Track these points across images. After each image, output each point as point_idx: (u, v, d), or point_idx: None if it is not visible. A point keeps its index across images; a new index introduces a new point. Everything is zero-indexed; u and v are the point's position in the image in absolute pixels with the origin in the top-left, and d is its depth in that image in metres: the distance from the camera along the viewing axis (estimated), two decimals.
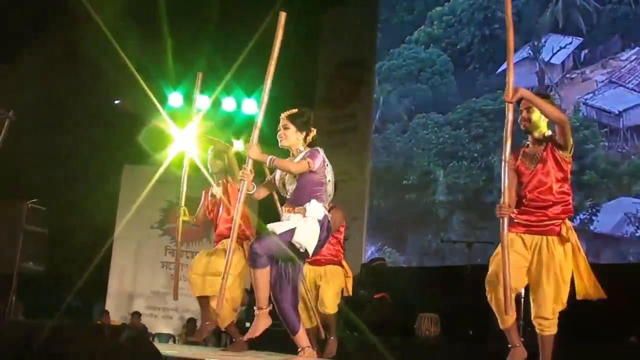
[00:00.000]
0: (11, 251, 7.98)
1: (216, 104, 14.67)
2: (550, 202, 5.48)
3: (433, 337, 9.23)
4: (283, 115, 5.76)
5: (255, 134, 5.67)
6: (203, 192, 7.81)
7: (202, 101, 14.55)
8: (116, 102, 14.59)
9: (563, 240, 5.42)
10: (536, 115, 5.51)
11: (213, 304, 6.97)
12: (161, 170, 11.69)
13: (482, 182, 11.72)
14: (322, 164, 5.62)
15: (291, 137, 5.72)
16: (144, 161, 13.89)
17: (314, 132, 5.79)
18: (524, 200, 5.58)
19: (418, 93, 13.24)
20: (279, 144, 5.80)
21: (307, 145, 5.76)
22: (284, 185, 5.74)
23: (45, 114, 8.34)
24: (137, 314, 14.08)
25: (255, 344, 6.76)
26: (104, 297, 14.36)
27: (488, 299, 5.47)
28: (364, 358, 7.15)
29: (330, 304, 7.60)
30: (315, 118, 5.91)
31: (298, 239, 5.42)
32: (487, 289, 5.46)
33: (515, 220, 5.56)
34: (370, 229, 13.64)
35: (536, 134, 5.59)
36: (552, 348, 5.41)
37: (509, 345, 5.51)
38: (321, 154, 5.65)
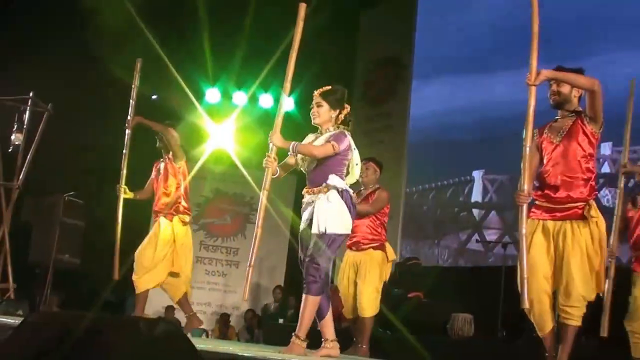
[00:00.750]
0: (48, 243, 8.03)
1: (253, 100, 14.68)
2: (574, 180, 5.23)
3: (467, 337, 9.18)
4: (316, 93, 5.73)
5: (278, 121, 5.67)
6: (154, 166, 8.07)
7: (239, 97, 14.62)
8: (153, 97, 14.66)
9: (589, 222, 5.14)
10: (566, 88, 5.30)
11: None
12: (197, 166, 11.72)
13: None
14: (347, 147, 5.58)
15: (324, 114, 5.68)
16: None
17: (347, 109, 5.75)
18: (545, 179, 5.33)
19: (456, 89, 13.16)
20: (312, 122, 5.76)
21: (338, 125, 5.71)
22: (303, 164, 5.70)
23: (82, 109, 8.40)
24: (171, 308, 14.11)
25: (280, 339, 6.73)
26: None
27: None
28: (398, 356, 7.11)
29: (369, 307, 7.41)
30: (353, 117, 5.89)
31: (334, 229, 5.41)
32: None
33: (537, 202, 5.35)
34: (405, 228, 13.60)
35: (565, 108, 5.39)
36: (573, 341, 5.15)
37: (546, 354, 5.32)
38: (348, 137, 5.61)
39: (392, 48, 14.75)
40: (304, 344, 5.44)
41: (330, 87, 5.75)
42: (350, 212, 5.51)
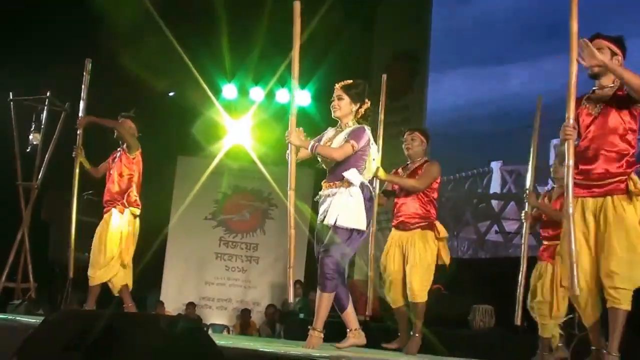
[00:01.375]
0: (67, 242, 8.07)
1: (270, 95, 14.66)
2: (613, 154, 4.84)
3: (488, 328, 9.16)
4: (337, 86, 5.74)
5: (293, 120, 5.65)
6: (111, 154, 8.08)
7: (257, 93, 14.61)
8: (170, 94, 14.68)
9: (632, 196, 4.76)
10: (606, 57, 4.85)
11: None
12: (215, 162, 11.79)
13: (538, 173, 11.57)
14: (367, 143, 5.58)
15: (345, 107, 5.68)
16: (198, 153, 13.99)
17: (367, 104, 5.75)
18: (583, 153, 4.94)
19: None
20: (333, 115, 5.77)
21: (358, 120, 5.72)
22: (326, 161, 5.70)
23: (99, 107, 8.43)
24: (191, 305, 14.18)
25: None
26: (159, 288, 14.47)
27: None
28: (420, 349, 7.07)
29: (421, 292, 6.74)
30: (369, 111, 5.87)
31: (346, 223, 5.40)
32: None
33: (575, 181, 4.84)
34: None
35: (605, 80, 5.00)
36: (623, 327, 4.69)
37: (592, 347, 4.94)
38: (367, 132, 5.61)
39: (408, 41, 14.70)
40: (321, 335, 5.46)
41: (352, 80, 5.75)
42: (366, 208, 5.50)
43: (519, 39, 12.22)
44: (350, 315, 5.64)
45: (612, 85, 4.96)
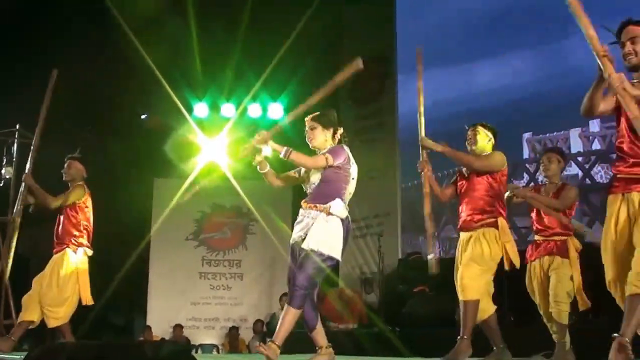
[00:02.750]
0: None
1: (242, 111, 14.63)
2: None
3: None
4: (307, 119, 5.78)
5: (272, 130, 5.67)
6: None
7: (229, 109, 14.59)
8: (143, 116, 14.65)
9: None
10: None
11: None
12: (189, 180, 11.71)
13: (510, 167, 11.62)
14: (346, 161, 5.59)
15: (319, 136, 5.72)
16: (174, 174, 13.94)
17: (341, 130, 5.79)
18: (624, 147, 4.57)
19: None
20: (310, 146, 5.79)
21: (334, 144, 5.75)
22: (308, 178, 5.71)
23: (73, 130, 8.40)
24: (179, 327, 14.13)
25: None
26: (145, 312, 14.41)
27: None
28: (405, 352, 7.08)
29: (469, 288, 6.20)
30: (343, 117, 5.91)
31: (324, 250, 5.41)
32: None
33: (618, 176, 4.60)
34: (404, 224, 13.60)
35: None
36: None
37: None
38: (345, 150, 5.65)
39: (376, 47, 14.73)
40: (277, 350, 5.42)
41: (319, 112, 5.79)
42: (344, 239, 5.51)
43: (483, 37, 12.29)
44: (319, 334, 5.67)
45: None
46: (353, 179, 5.67)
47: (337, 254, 5.46)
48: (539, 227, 6.89)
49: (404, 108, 13.87)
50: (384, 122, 14.18)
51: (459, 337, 6.20)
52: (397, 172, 13.67)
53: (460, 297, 6.26)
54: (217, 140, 13.93)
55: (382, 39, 14.58)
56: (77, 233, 7.68)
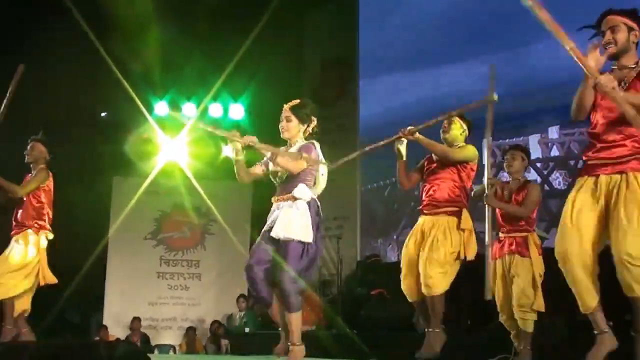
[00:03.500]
0: None
1: (203, 110, 14.58)
2: (634, 134, 4.49)
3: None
4: (286, 107, 5.74)
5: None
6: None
7: (190, 109, 14.54)
8: (102, 114, 14.56)
9: None
10: (623, 35, 4.56)
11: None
12: (148, 180, 11.68)
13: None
14: (316, 158, 5.60)
15: (293, 129, 5.71)
16: (133, 173, 13.87)
17: (314, 122, 5.81)
18: (598, 135, 4.64)
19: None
20: (281, 136, 5.76)
21: (306, 137, 5.76)
22: (275, 173, 5.69)
23: (29, 128, 8.29)
24: (137, 320, 14.02)
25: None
26: (101, 310, 14.31)
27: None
28: (366, 354, 7.10)
29: (437, 283, 6.32)
30: (318, 128, 5.89)
31: (292, 234, 5.38)
32: (559, 263, 4.60)
33: (589, 163, 4.67)
34: (363, 227, 13.64)
35: (624, 60, 4.62)
36: None
37: (595, 332, 4.57)
38: (316, 147, 5.66)
39: (337, 48, 14.79)
40: (302, 348, 5.43)
41: (299, 100, 5.79)
42: (312, 222, 5.48)
43: (447, 42, 12.35)
44: (297, 320, 5.54)
45: (633, 65, 4.62)
46: (322, 175, 5.70)
47: (307, 237, 5.41)
48: (501, 223, 6.95)
49: (365, 112, 13.94)
50: (344, 125, 14.20)
51: (428, 330, 6.36)
52: (357, 175, 13.71)
53: (427, 293, 6.35)
54: (178, 139, 13.88)
55: (344, 43, 14.63)
56: (38, 216, 7.58)
